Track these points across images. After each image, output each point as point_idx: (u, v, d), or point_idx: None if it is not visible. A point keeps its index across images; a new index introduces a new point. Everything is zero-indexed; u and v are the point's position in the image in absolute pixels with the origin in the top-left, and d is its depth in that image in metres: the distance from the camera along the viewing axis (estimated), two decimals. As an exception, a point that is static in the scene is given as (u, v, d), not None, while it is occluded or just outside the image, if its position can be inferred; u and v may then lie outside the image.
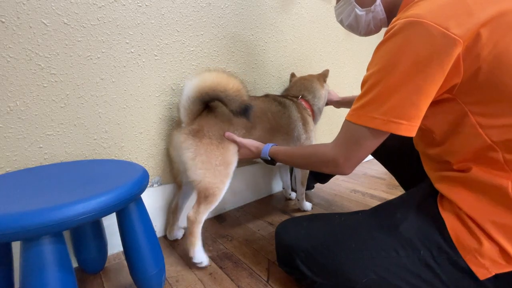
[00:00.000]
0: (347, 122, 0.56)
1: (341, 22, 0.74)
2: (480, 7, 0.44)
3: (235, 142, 0.83)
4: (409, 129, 0.48)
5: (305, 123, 1.03)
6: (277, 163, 0.83)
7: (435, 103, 0.49)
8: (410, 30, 0.46)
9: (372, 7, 0.63)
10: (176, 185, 0.94)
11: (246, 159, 0.87)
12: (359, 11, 0.66)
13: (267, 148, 0.80)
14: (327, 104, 1.19)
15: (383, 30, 0.62)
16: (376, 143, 0.54)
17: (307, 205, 1.14)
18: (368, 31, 0.70)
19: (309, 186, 1.29)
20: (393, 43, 0.48)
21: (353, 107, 0.55)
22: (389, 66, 0.48)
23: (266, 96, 1.03)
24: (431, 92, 0.47)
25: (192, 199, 0.99)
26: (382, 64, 0.49)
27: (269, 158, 0.79)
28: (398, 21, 0.48)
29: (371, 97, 0.50)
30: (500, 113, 0.46)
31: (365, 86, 0.52)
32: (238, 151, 0.84)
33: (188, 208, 0.97)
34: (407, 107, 0.47)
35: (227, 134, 0.82)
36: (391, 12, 0.63)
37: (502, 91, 0.44)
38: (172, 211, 0.93)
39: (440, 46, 0.44)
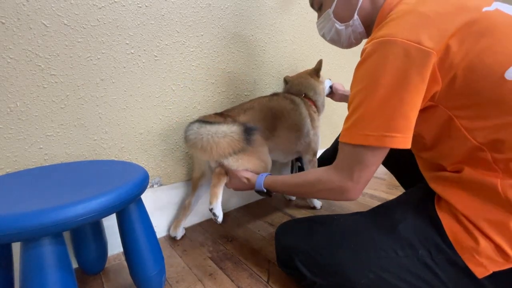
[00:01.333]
0: (343, 144, 0.56)
1: (323, 36, 0.76)
2: (445, 20, 0.47)
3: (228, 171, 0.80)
4: (404, 141, 0.49)
5: (312, 120, 1.05)
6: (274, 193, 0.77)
7: (421, 111, 0.51)
8: (385, 49, 0.48)
9: (351, 21, 0.66)
10: (192, 185, 0.95)
11: (237, 190, 0.83)
12: (339, 26, 0.69)
13: (261, 179, 0.74)
14: (331, 95, 1.20)
15: (365, 40, 0.64)
16: (378, 159, 0.53)
17: (317, 203, 1.15)
18: (350, 44, 0.73)
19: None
20: (371, 62, 0.50)
21: (344, 127, 0.55)
22: (372, 83, 0.50)
23: (276, 95, 1.04)
24: (416, 102, 0.48)
25: (203, 202, 1.01)
26: (364, 82, 0.51)
27: (265, 190, 0.74)
28: (372, 41, 0.51)
29: (360, 115, 0.51)
30: (482, 116, 0.47)
31: (352, 105, 0.53)
32: (229, 181, 0.81)
33: (197, 210, 0.97)
34: (398, 119, 0.48)
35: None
36: (369, 26, 0.66)
37: (480, 95, 0.47)
38: (183, 208, 0.95)
39: (416, 59, 0.46)
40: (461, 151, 0.51)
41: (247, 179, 0.77)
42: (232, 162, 0.78)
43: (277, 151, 0.96)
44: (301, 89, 1.11)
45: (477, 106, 0.47)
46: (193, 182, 0.95)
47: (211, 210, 0.75)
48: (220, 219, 0.75)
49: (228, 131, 0.72)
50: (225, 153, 0.72)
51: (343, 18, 0.67)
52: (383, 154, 0.53)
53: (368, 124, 0.50)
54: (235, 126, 0.73)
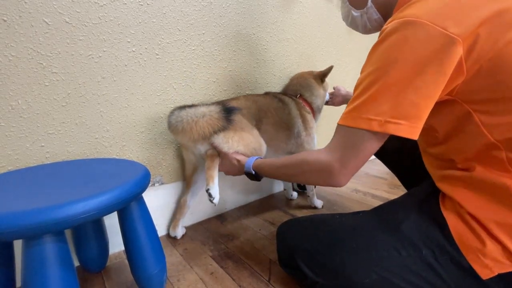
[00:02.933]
0: (340, 127, 0.53)
1: (344, 21, 0.76)
2: (476, 7, 0.44)
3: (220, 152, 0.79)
4: (410, 130, 0.46)
5: (304, 121, 1.03)
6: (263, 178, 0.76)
7: (437, 103, 0.48)
8: (407, 30, 0.45)
9: (365, 8, 0.64)
10: (186, 183, 0.96)
11: (229, 174, 0.82)
12: (355, 12, 0.68)
13: (251, 161, 0.73)
14: (332, 101, 1.18)
15: None
16: (374, 146, 0.50)
17: (318, 202, 1.15)
18: (368, 30, 0.71)
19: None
20: (389, 43, 0.46)
21: (346, 110, 0.52)
22: (386, 66, 0.46)
23: (267, 93, 1.04)
24: (432, 93, 0.45)
25: (202, 200, 1.00)
26: (378, 64, 0.48)
27: (253, 172, 0.72)
28: (393, 21, 0.47)
29: (366, 97, 0.48)
30: (503, 112, 0.45)
31: (360, 87, 0.50)
32: (221, 163, 0.80)
33: (194, 206, 0.98)
34: (406, 107, 0.45)
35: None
36: (386, 12, 0.63)
37: (504, 90, 0.44)
38: (179, 207, 0.94)
39: (439, 46, 0.43)
40: (475, 147, 0.49)
41: (237, 160, 0.76)
42: (223, 143, 0.78)
43: (268, 148, 0.95)
44: (297, 90, 1.09)
45: (500, 101, 0.45)
46: (187, 180, 0.95)
47: (207, 191, 0.75)
48: (216, 200, 0.75)
49: (207, 110, 0.75)
50: (205, 133, 0.74)
51: (358, 4, 0.66)
52: (380, 142, 0.50)
53: (373, 108, 0.47)
54: (213, 106, 0.76)
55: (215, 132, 0.75)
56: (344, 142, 0.52)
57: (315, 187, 1.17)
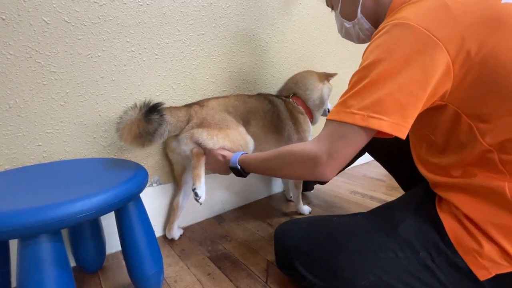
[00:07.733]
0: (328, 121, 0.53)
1: (340, 33, 0.78)
2: (463, 11, 0.45)
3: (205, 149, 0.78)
4: (393, 127, 0.46)
5: (295, 123, 1.00)
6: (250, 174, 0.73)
7: (431, 110, 0.49)
8: (396, 31, 0.47)
9: (356, 20, 0.66)
10: (177, 184, 0.95)
11: (216, 172, 0.80)
12: (347, 24, 0.70)
13: (237, 156, 0.71)
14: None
15: None
16: (361, 140, 0.50)
17: (305, 209, 1.11)
18: (361, 40, 0.73)
19: (308, 187, 1.28)
20: (379, 43, 0.49)
21: (334, 105, 0.53)
22: (374, 63, 0.48)
23: (259, 95, 1.02)
24: (415, 92, 0.45)
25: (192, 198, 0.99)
26: (368, 62, 0.49)
27: (239, 167, 0.70)
28: (385, 24, 0.50)
29: (352, 93, 0.49)
30: (497, 115, 0.46)
31: (349, 83, 0.52)
32: (207, 161, 0.79)
33: (188, 207, 0.97)
34: (388, 103, 0.46)
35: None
36: (376, 22, 0.65)
37: (492, 93, 0.45)
38: (173, 209, 0.93)
39: (422, 47, 0.44)
40: (471, 154, 0.49)
41: (223, 156, 0.75)
42: (208, 140, 0.77)
43: (257, 151, 0.92)
44: (290, 88, 1.07)
45: (495, 102, 0.45)
46: (177, 180, 0.94)
47: (193, 190, 0.75)
48: (201, 199, 0.75)
49: (129, 117, 0.70)
50: (129, 139, 0.70)
51: (349, 17, 0.68)
52: (367, 137, 0.50)
53: (357, 103, 0.48)
54: (135, 110, 0.71)
55: (148, 134, 0.71)
56: (331, 133, 0.52)
57: (302, 192, 1.13)
